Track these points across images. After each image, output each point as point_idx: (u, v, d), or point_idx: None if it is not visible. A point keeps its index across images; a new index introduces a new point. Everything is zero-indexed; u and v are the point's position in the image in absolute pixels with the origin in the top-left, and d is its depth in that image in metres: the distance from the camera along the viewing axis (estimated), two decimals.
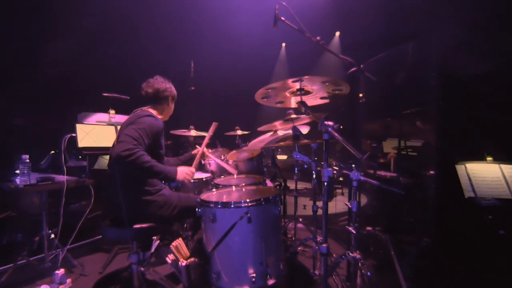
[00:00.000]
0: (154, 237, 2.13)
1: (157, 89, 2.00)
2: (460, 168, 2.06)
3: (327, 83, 1.90)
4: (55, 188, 2.22)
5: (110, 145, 1.99)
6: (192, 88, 3.81)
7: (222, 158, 2.76)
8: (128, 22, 3.94)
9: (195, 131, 2.98)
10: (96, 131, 2.74)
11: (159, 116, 2.02)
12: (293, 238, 2.94)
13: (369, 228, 2.87)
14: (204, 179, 2.55)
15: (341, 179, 4.96)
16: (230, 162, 2.64)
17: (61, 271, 2.16)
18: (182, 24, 4.51)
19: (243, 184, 2.19)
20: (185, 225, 2.45)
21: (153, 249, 2.07)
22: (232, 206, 1.67)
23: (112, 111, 3.02)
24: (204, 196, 1.87)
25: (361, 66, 1.98)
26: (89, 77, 3.65)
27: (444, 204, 2.19)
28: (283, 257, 1.83)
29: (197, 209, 1.79)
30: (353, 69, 1.98)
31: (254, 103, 2.29)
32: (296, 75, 1.81)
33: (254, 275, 1.62)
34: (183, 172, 1.87)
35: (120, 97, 2.99)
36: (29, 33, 3.27)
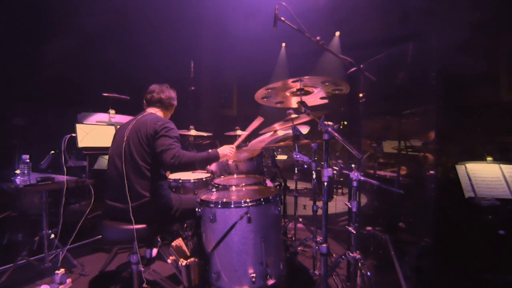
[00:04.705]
0: (157, 238, 2.13)
1: (170, 97, 2.07)
2: (460, 168, 2.06)
3: (327, 83, 1.90)
4: (55, 188, 2.22)
5: (110, 145, 2.00)
6: (192, 88, 3.80)
7: None
8: (128, 22, 3.94)
9: (195, 131, 2.98)
10: (96, 131, 2.74)
11: None
12: (293, 238, 2.94)
13: (369, 228, 2.88)
14: (204, 179, 2.55)
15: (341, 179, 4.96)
16: (230, 162, 2.64)
17: (61, 271, 2.16)
18: (182, 24, 4.51)
19: (243, 184, 2.19)
20: (185, 225, 2.45)
21: (154, 253, 2.07)
22: (232, 206, 1.67)
23: (112, 111, 3.01)
24: (204, 196, 1.87)
25: (361, 66, 1.98)
26: (89, 77, 3.65)
27: (444, 204, 2.19)
28: (283, 257, 1.83)
29: (197, 209, 1.79)
30: (353, 69, 1.97)
31: (254, 103, 2.29)
32: (296, 75, 1.80)
33: (254, 275, 1.62)
34: (225, 150, 2.00)
35: (120, 97, 2.99)
36: (29, 33, 3.27)
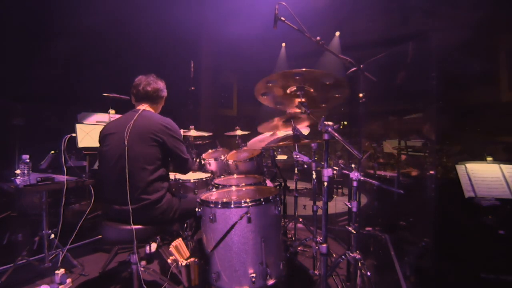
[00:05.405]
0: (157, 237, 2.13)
1: (157, 89, 1.97)
2: (460, 168, 2.06)
3: (327, 82, 1.88)
4: (55, 188, 2.21)
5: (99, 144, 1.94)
6: (192, 88, 3.80)
7: (222, 158, 2.76)
8: (129, 22, 3.94)
9: (195, 131, 2.98)
10: (96, 131, 2.73)
11: None
12: (293, 238, 2.94)
13: (369, 228, 2.88)
14: (204, 179, 2.55)
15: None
16: (230, 162, 2.64)
17: (61, 271, 2.16)
18: (183, 24, 4.51)
19: (243, 184, 2.19)
20: (185, 225, 2.45)
21: (153, 248, 2.07)
22: (232, 206, 1.67)
23: (112, 111, 3.01)
24: (204, 196, 1.87)
25: (361, 66, 1.97)
26: (89, 77, 3.65)
27: (444, 204, 2.19)
28: (283, 257, 1.83)
29: (197, 209, 1.78)
30: (353, 69, 1.97)
31: (254, 103, 2.28)
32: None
33: (254, 275, 1.62)
34: None
35: (120, 97, 2.98)
36: (29, 33, 3.27)
